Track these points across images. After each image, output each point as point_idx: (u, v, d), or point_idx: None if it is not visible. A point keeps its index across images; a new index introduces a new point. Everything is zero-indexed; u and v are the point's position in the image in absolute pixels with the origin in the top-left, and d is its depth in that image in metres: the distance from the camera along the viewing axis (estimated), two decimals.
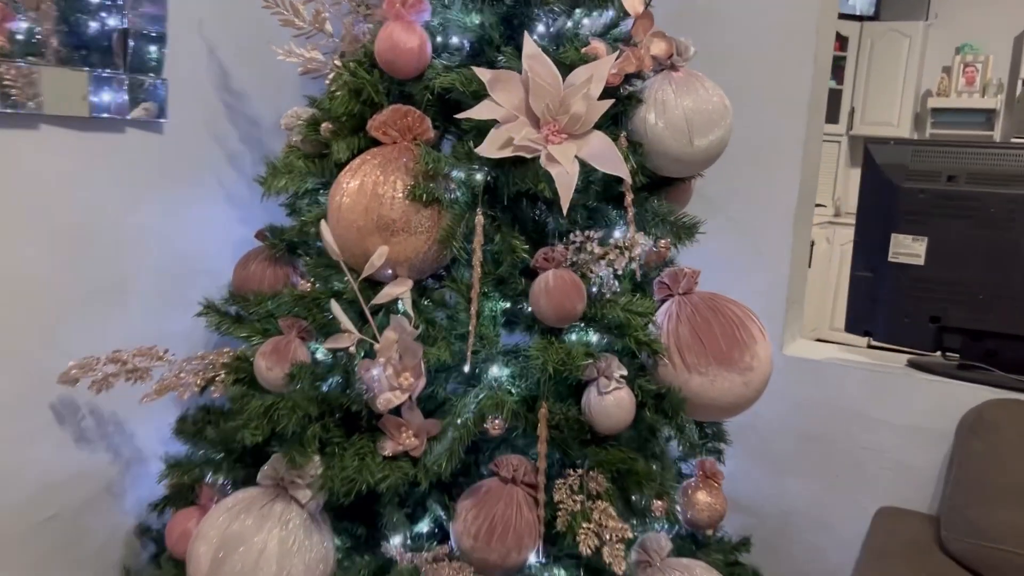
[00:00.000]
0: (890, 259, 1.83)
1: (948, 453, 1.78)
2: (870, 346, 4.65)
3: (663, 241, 1.38)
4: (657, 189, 1.47)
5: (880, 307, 1.88)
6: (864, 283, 1.89)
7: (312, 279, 1.42)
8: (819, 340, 2.12)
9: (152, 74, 1.55)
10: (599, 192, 1.40)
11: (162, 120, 1.60)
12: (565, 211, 1.23)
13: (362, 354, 1.30)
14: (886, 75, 5.25)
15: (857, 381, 1.87)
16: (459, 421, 1.27)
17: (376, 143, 1.36)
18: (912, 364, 1.90)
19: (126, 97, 1.50)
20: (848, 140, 5.62)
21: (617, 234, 1.40)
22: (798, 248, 1.97)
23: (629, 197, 1.37)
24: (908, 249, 1.81)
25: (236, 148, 1.78)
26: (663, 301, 1.41)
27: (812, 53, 1.86)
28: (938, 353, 1.86)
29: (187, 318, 1.61)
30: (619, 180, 1.37)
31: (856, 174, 5.69)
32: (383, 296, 1.27)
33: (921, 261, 1.79)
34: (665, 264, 1.53)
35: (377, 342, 1.25)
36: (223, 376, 1.42)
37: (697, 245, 1.44)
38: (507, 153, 1.24)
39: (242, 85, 1.77)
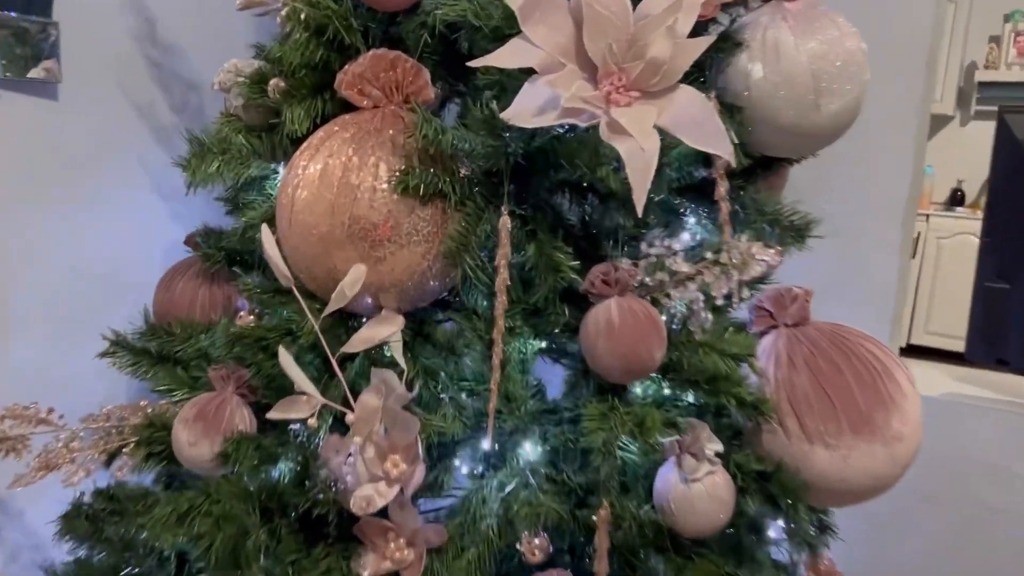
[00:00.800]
0: None
1: None
2: (915, 349, 4.24)
3: (774, 250, 0.96)
4: (750, 174, 1.08)
5: (1018, 328, 1.46)
6: (996, 297, 1.51)
7: (257, 308, 0.99)
8: None
9: (35, 15, 1.12)
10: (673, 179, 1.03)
11: (55, 83, 1.17)
12: (640, 209, 0.81)
13: (329, 425, 0.92)
14: None
15: (988, 425, 1.54)
16: (477, 527, 0.89)
17: (349, 107, 1.02)
18: None
19: None
20: None
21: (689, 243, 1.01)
22: (905, 247, 1.55)
23: (723, 187, 0.97)
24: None
25: (166, 120, 1.41)
26: (762, 335, 1.05)
27: None
28: None
29: (92, 357, 1.18)
30: (706, 161, 0.96)
31: None
32: (359, 342, 0.90)
33: None
34: (760, 280, 1.12)
35: (350, 411, 0.88)
36: (131, 447, 0.99)
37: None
38: (549, 121, 0.84)
39: (173, 34, 1.40)
